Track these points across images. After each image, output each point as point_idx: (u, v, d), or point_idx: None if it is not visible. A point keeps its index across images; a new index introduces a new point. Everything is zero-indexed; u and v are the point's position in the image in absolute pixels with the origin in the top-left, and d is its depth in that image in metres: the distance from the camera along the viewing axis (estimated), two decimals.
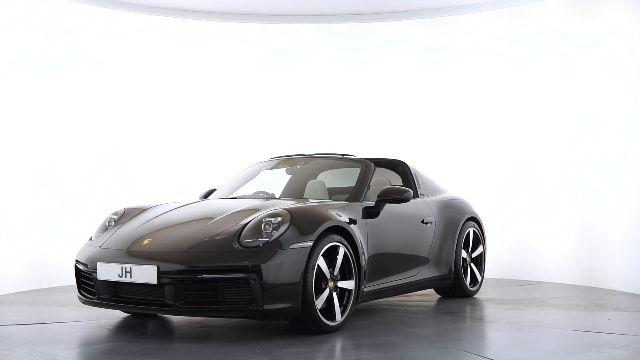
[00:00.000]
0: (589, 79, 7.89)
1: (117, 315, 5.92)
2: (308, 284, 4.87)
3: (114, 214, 5.86)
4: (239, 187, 6.70)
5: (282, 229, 4.90)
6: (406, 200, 5.85)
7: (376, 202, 5.83)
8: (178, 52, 9.08)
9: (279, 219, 4.96)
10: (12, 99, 7.62)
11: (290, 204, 5.51)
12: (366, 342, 4.93)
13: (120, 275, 4.96)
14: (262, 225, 4.93)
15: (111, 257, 5.11)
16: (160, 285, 4.81)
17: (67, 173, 8.15)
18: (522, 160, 8.61)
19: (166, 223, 5.41)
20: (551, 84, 8.34)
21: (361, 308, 6.36)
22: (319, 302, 4.97)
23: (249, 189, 6.67)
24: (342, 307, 5.19)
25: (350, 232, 5.31)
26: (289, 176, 6.78)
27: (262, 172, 6.80)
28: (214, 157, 9.13)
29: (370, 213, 5.74)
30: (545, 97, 8.41)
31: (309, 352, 4.57)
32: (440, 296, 7.02)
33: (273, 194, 6.51)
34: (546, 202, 8.35)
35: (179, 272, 4.77)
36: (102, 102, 8.51)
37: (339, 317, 5.13)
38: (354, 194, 5.90)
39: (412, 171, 6.77)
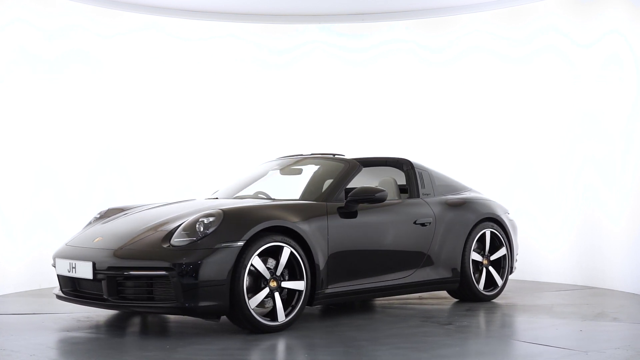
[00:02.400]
0: (589, 79, 7.89)
1: (104, 311, 6.06)
2: (238, 283, 4.94)
3: (99, 213, 6.22)
4: (241, 187, 6.70)
5: (212, 228, 5.01)
6: (379, 200, 5.77)
7: (346, 202, 5.77)
8: (178, 52, 9.08)
9: (212, 219, 5.08)
10: (12, 98, 7.62)
11: (240, 203, 5.59)
12: (288, 343, 4.91)
13: (69, 270, 5.30)
14: (196, 225, 5.05)
15: (67, 254, 5.46)
16: (97, 280, 5.08)
17: (67, 173, 8.15)
18: (522, 160, 8.61)
19: (125, 223, 5.64)
20: (551, 84, 8.34)
21: (346, 308, 6.41)
22: (253, 302, 5.02)
23: (252, 189, 6.69)
24: (290, 308, 5.24)
25: (300, 232, 5.31)
26: (309, 176, 6.82)
27: (269, 172, 6.79)
28: (214, 156, 9.13)
29: (343, 213, 5.72)
30: (545, 97, 8.40)
31: (214, 349, 4.67)
32: (456, 300, 6.77)
33: (269, 195, 6.51)
34: (546, 202, 8.35)
35: (109, 268, 5.03)
36: (102, 102, 8.51)
37: (281, 318, 5.16)
38: (325, 193, 5.87)
39: (416, 170, 6.62)
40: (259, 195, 6.53)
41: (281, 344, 4.88)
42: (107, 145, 8.54)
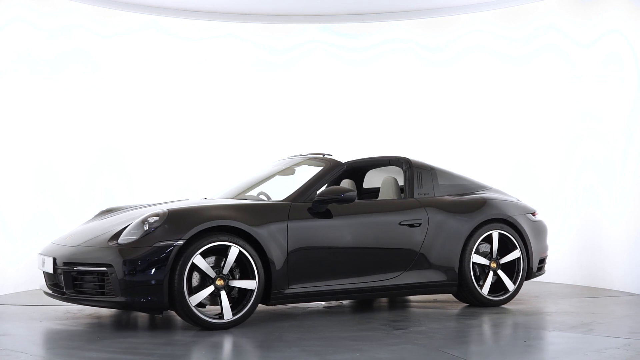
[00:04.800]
0: (589, 78, 7.88)
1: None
2: (177, 280, 5.10)
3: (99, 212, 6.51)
4: (243, 188, 6.68)
5: (154, 227, 5.21)
6: (347, 200, 5.74)
7: (313, 202, 5.76)
8: (178, 52, 9.08)
9: (156, 218, 5.27)
10: (12, 98, 7.62)
11: (201, 204, 5.74)
12: (214, 341, 4.98)
13: (42, 265, 5.66)
14: (143, 224, 5.27)
15: (44, 250, 5.79)
16: (58, 274, 5.42)
17: (67, 173, 8.14)
18: (522, 160, 8.61)
19: (102, 222, 5.91)
20: (551, 84, 8.33)
21: (326, 308, 6.41)
22: (194, 299, 5.16)
23: (255, 189, 6.69)
24: (240, 306, 5.35)
25: (250, 232, 5.36)
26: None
27: (277, 174, 6.78)
28: (214, 156, 9.13)
29: (316, 214, 5.74)
30: (545, 97, 8.40)
31: (134, 343, 4.91)
32: (466, 304, 6.45)
33: (269, 196, 6.50)
34: (546, 203, 8.34)
35: (64, 264, 5.36)
36: (102, 102, 8.51)
37: (228, 316, 5.28)
38: (295, 193, 5.87)
39: (414, 169, 6.44)
40: (261, 196, 6.53)
41: (204, 342, 4.95)
42: (107, 145, 8.54)
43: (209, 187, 8.32)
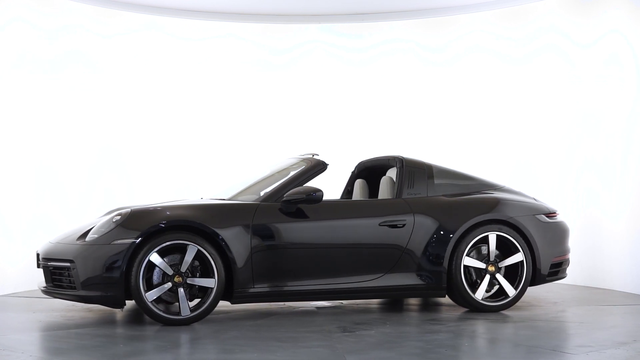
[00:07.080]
0: (589, 78, 7.88)
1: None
2: (134, 277, 5.34)
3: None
4: (245, 188, 6.67)
5: (114, 226, 5.45)
6: (315, 200, 5.73)
7: (282, 202, 5.78)
8: (178, 52, 9.08)
9: (119, 217, 5.52)
10: (12, 98, 7.61)
11: (174, 203, 5.96)
12: (150, 334, 5.17)
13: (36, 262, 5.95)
14: (108, 223, 5.52)
15: (40, 247, 6.02)
16: (42, 269, 5.77)
17: (67, 174, 8.14)
18: (522, 160, 8.61)
19: (90, 222, 6.08)
20: (551, 84, 8.33)
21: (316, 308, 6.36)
22: (151, 295, 5.38)
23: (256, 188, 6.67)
24: (200, 303, 5.52)
25: (208, 231, 5.49)
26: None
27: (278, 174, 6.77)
28: (214, 156, 9.13)
29: (288, 213, 5.77)
30: (546, 97, 8.40)
31: (80, 334, 5.18)
32: (466, 309, 6.12)
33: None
34: (546, 202, 8.34)
35: (43, 259, 5.73)
36: (102, 103, 8.51)
37: (185, 312, 5.44)
38: (268, 193, 5.92)
39: (405, 169, 6.23)
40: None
41: (138, 336, 5.15)
42: (107, 145, 8.54)
43: (209, 187, 8.31)
